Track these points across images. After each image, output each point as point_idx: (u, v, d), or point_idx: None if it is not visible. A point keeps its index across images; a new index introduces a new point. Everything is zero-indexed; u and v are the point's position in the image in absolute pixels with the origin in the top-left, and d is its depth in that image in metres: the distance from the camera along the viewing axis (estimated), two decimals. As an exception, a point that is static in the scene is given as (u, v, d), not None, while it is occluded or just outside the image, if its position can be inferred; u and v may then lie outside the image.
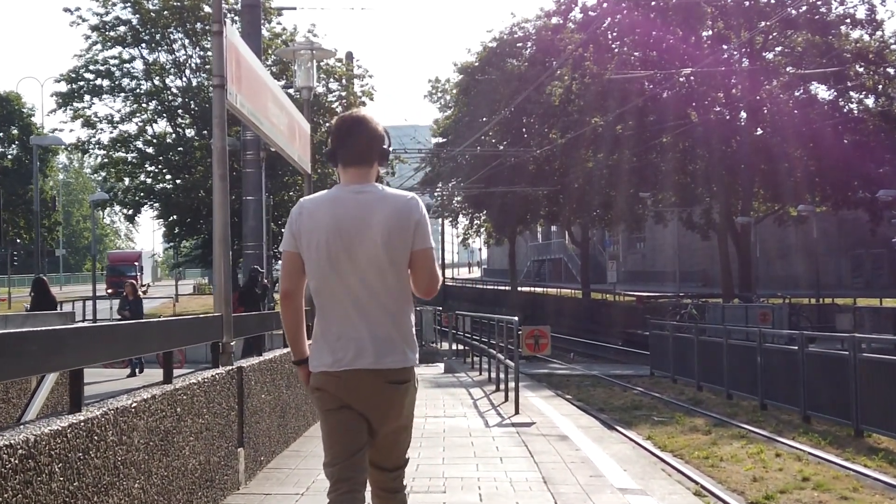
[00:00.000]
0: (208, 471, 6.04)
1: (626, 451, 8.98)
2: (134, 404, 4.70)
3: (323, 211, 3.83)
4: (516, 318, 13.56)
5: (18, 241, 59.94)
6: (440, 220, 71.48)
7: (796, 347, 15.04)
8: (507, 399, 13.19)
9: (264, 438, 7.96)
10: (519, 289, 64.87)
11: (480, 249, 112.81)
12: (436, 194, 63.63)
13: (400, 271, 3.80)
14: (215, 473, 6.24)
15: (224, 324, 7.04)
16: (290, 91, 21.50)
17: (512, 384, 12.54)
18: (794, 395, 14.82)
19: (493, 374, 16.01)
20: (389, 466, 3.95)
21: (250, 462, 7.39)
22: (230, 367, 6.86)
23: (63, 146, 38.63)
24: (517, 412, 11.88)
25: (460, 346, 26.44)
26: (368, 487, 3.91)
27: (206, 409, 6.03)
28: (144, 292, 57.01)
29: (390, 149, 4.07)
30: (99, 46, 38.06)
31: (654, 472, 8.10)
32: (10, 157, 67.70)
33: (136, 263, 64.59)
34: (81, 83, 38.17)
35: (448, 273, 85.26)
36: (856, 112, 42.44)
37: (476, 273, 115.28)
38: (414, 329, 3.93)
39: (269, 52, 34.52)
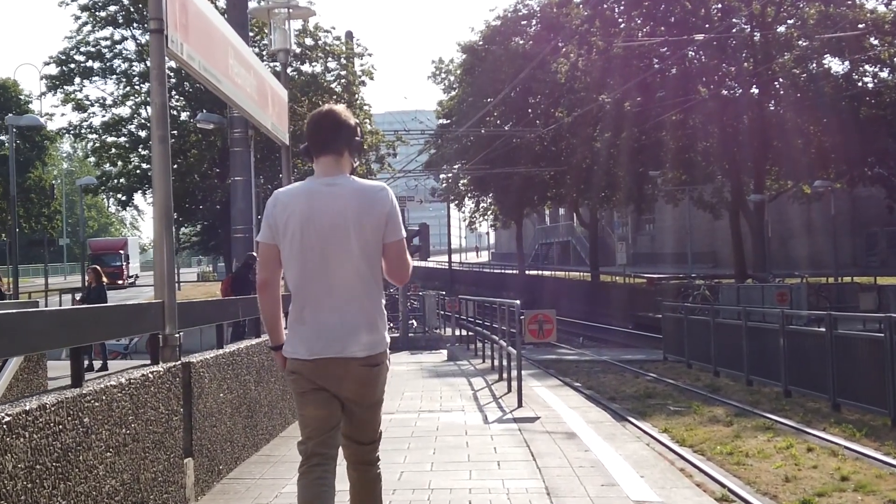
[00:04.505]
0: (136, 491, 4.96)
1: (643, 452, 7.88)
2: (6, 419, 3.61)
3: (298, 203, 3.94)
4: (518, 302, 12.45)
5: (17, 229, 58.91)
6: (446, 203, 70.29)
7: (824, 329, 13.90)
8: (509, 390, 12.12)
9: (224, 444, 6.89)
10: (527, 272, 63.79)
11: (487, 233, 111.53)
12: (441, 177, 62.41)
13: (372, 262, 3.96)
14: (149, 493, 5.16)
15: (166, 312, 5.96)
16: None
17: (515, 373, 11.46)
18: (821, 382, 13.68)
19: (497, 363, 14.93)
20: (365, 440, 4.12)
21: (203, 473, 6.32)
22: (173, 364, 5.77)
23: (43, 126, 37.31)
24: (520, 405, 10.81)
25: (465, 332, 25.37)
26: (341, 460, 4.10)
27: (132, 416, 4.94)
28: (132, 283, 55.24)
29: (362, 140, 4.19)
30: (89, 27, 36.93)
31: (675, 478, 6.99)
32: (6, 145, 66.51)
33: (122, 252, 59.30)
34: (72, 65, 37.04)
35: (455, 258, 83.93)
36: (870, 86, 41.06)
37: (484, 257, 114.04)
38: (385, 316, 4.06)
39: (265, 31, 33.33)
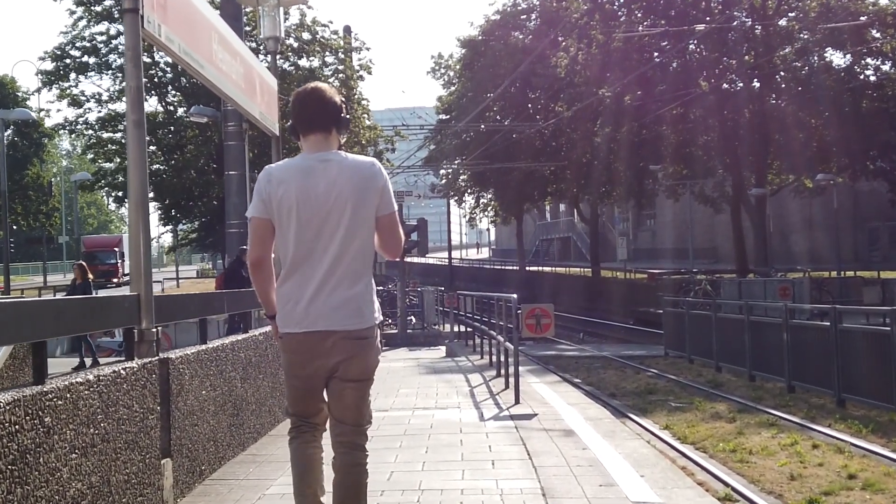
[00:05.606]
0: (106, 494, 4.68)
1: (643, 450, 7.59)
2: (-49, 419, 3.34)
3: (293, 178, 3.94)
4: (515, 296, 12.15)
5: (15, 227, 58.67)
6: (446, 199, 69.96)
7: (828, 323, 13.62)
8: (507, 386, 11.83)
9: (207, 444, 6.60)
10: (527, 268, 63.53)
11: (488, 229, 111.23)
12: (440, 173, 62.08)
13: (366, 235, 3.99)
14: (121, 495, 4.89)
15: (142, 306, 5.68)
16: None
17: (513, 369, 11.17)
18: (826, 377, 13.40)
19: (495, 359, 14.65)
20: (349, 421, 4.08)
21: (183, 474, 6.04)
22: (149, 360, 5.48)
23: (34, 120, 36.85)
24: (517, 401, 10.51)
25: (464, 328, 25.08)
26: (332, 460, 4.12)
27: (101, 415, 4.67)
28: (128, 281, 54.77)
29: (349, 118, 4.17)
30: (84, 22, 36.56)
31: (677, 478, 6.71)
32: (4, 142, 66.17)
33: (116, 249, 57.42)
34: (67, 61, 36.68)
35: (455, 254, 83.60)
36: (872, 79, 40.71)
37: (484, 253, 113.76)
38: (375, 291, 4.10)
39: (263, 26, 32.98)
